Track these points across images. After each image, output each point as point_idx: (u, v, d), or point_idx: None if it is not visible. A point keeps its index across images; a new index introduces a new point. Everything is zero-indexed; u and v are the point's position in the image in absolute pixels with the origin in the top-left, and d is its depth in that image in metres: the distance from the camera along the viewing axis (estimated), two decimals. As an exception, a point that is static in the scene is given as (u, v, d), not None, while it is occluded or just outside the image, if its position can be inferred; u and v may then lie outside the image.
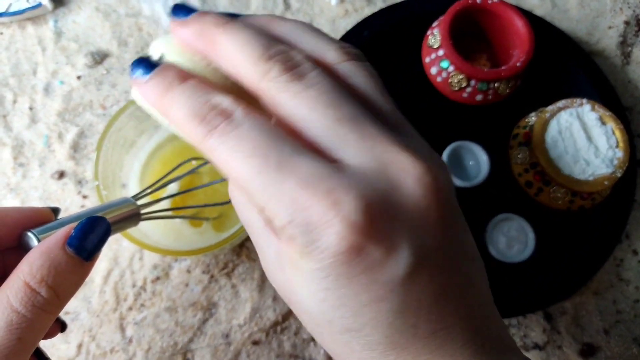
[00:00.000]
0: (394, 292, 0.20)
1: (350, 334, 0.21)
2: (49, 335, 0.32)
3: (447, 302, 0.21)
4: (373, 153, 0.20)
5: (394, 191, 0.20)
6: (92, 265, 0.28)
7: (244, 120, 0.20)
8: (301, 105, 0.21)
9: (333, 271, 0.20)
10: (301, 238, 0.20)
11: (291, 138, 0.20)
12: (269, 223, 0.22)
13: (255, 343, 0.44)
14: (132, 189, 0.43)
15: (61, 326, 0.32)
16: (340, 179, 0.19)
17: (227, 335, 0.44)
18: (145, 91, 0.23)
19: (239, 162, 0.20)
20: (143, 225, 0.40)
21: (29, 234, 0.27)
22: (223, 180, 0.43)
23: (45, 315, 0.25)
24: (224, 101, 0.21)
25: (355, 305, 0.20)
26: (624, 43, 0.54)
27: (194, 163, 0.43)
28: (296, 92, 0.21)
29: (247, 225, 0.23)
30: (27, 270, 0.25)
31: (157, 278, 0.45)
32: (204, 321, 0.44)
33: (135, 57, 0.49)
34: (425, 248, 0.20)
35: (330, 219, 0.19)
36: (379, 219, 0.20)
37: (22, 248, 0.28)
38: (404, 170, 0.20)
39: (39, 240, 0.27)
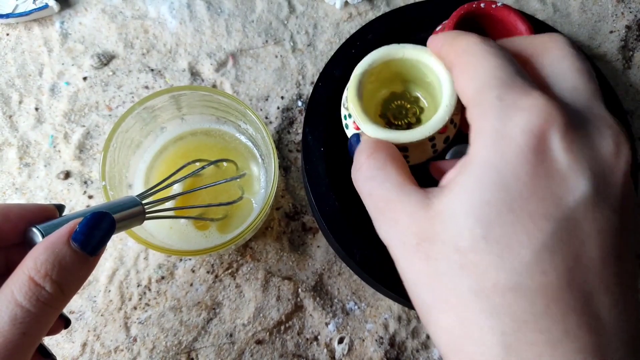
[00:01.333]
0: (564, 216, 0.21)
1: (490, 245, 0.21)
2: (53, 331, 0.32)
3: (621, 260, 0.21)
4: (590, 107, 0.24)
5: (595, 135, 0.22)
6: (96, 260, 0.28)
7: (495, 45, 0.26)
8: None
9: (514, 164, 0.21)
10: (496, 108, 0.22)
11: (521, 68, 0.25)
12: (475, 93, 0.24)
13: (259, 342, 0.44)
14: (138, 190, 0.44)
15: (65, 323, 0.32)
16: (550, 101, 0.22)
17: (231, 335, 0.44)
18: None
19: (489, 58, 0.25)
20: (148, 225, 0.40)
21: (34, 229, 0.27)
22: (227, 181, 0.43)
23: (49, 310, 0.25)
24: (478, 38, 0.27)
25: (516, 212, 0.21)
26: (625, 47, 0.54)
27: (198, 164, 0.43)
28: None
29: (395, 241, 0.26)
30: (32, 265, 0.25)
31: (162, 277, 0.45)
32: (208, 321, 0.45)
33: (141, 59, 0.50)
34: (607, 187, 0.21)
35: (533, 100, 0.22)
36: (573, 129, 0.22)
37: (27, 244, 0.28)
38: (610, 128, 0.23)
39: (43, 236, 0.27)
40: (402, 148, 0.40)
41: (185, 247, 0.42)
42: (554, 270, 0.20)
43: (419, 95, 0.46)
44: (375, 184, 0.27)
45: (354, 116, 0.40)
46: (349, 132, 0.43)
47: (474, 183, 0.22)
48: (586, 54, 0.51)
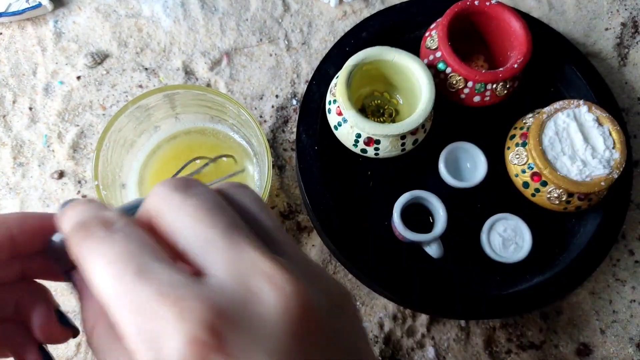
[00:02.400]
0: None
1: None
2: (61, 340, 0.31)
3: None
4: (239, 262, 0.20)
5: (253, 302, 0.19)
6: None
7: (121, 229, 0.20)
8: (180, 214, 0.21)
9: None
10: (145, 352, 0.18)
11: (160, 249, 0.20)
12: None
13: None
14: (131, 189, 0.43)
15: (73, 332, 0.32)
16: (195, 288, 0.19)
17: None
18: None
19: (101, 267, 0.19)
20: None
21: (56, 239, 0.27)
22: (229, 176, 0.43)
23: None
24: (112, 214, 0.21)
25: None
26: (620, 45, 0.54)
27: (199, 162, 0.43)
28: (179, 202, 0.21)
29: None
30: None
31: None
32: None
33: (135, 57, 0.50)
34: None
35: (172, 330, 0.18)
36: (230, 331, 0.18)
37: (50, 253, 0.28)
38: (267, 280, 0.19)
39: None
40: (375, 141, 0.41)
41: None
42: None
43: (398, 98, 0.47)
44: None
45: (339, 102, 0.41)
46: (331, 117, 0.44)
47: None
48: (581, 52, 0.51)
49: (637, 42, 0.54)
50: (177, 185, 0.21)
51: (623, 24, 0.55)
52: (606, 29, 0.54)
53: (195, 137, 0.45)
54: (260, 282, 0.19)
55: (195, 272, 0.20)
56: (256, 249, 0.20)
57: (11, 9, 0.49)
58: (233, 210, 0.22)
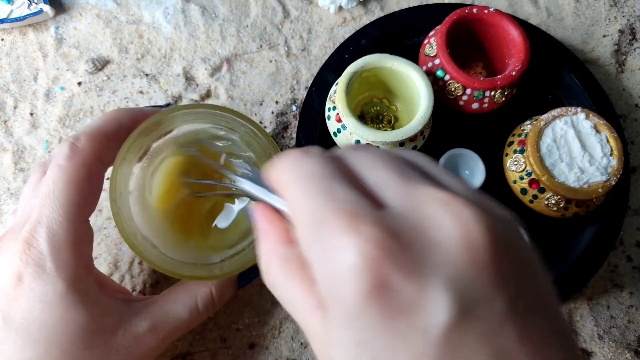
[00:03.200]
0: (436, 347, 0.17)
1: None
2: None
3: (528, 325, 0.18)
4: (415, 195, 0.20)
5: (430, 227, 0.19)
6: None
7: (316, 154, 0.22)
8: (358, 161, 0.23)
9: (360, 315, 0.18)
10: (320, 261, 0.19)
11: (348, 178, 0.22)
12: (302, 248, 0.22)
13: (253, 347, 0.44)
14: (133, 194, 0.43)
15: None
16: (374, 213, 0.19)
17: (225, 339, 0.45)
18: None
19: (295, 182, 0.22)
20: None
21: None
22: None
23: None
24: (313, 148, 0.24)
25: None
26: (618, 51, 0.55)
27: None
28: (360, 150, 0.23)
29: (292, 306, 0.23)
30: None
31: (157, 282, 0.45)
32: (203, 325, 0.45)
33: (136, 63, 0.50)
34: (473, 296, 0.18)
35: (347, 244, 0.18)
36: (404, 252, 0.18)
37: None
38: (443, 207, 0.19)
39: None
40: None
41: (175, 256, 0.40)
42: None
43: (397, 105, 0.47)
44: (286, 299, 0.23)
45: (338, 109, 0.42)
46: (330, 124, 0.44)
47: (337, 338, 0.19)
48: (579, 59, 0.51)
49: (634, 49, 0.55)
50: (353, 146, 0.24)
51: (621, 31, 0.55)
52: (604, 36, 0.55)
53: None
54: (437, 209, 0.19)
55: (377, 205, 0.20)
56: (430, 184, 0.21)
57: (13, 16, 0.49)
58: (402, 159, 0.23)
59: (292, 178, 0.22)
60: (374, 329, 0.18)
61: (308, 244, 0.20)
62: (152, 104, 0.49)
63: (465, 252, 0.18)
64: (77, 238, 0.32)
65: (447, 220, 0.19)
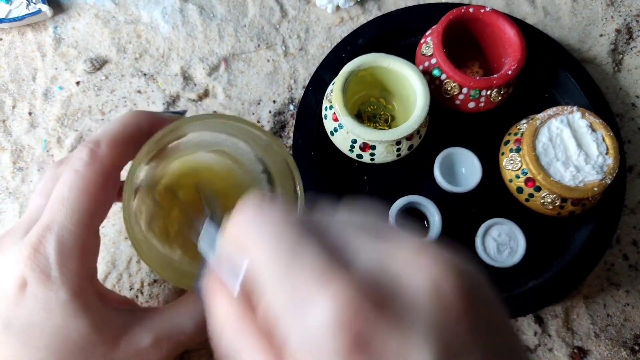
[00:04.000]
0: None
1: None
2: None
3: None
4: (379, 252, 0.20)
5: (400, 284, 0.19)
6: None
7: (278, 209, 0.21)
8: (321, 220, 0.22)
9: None
10: (291, 322, 0.19)
11: (312, 234, 0.21)
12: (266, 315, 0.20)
13: (251, 346, 0.45)
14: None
15: None
16: (344, 273, 0.19)
17: (223, 338, 0.45)
18: None
19: (260, 245, 0.20)
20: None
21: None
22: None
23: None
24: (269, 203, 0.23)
25: None
26: (615, 51, 0.55)
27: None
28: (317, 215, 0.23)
29: None
30: None
31: (154, 281, 0.46)
32: (200, 324, 0.45)
33: (134, 63, 0.50)
34: (453, 344, 0.18)
35: (322, 306, 0.18)
36: (383, 303, 0.18)
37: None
38: (410, 261, 0.19)
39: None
40: (371, 146, 0.42)
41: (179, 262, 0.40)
42: None
43: (393, 104, 0.47)
44: None
45: (335, 108, 0.42)
46: (327, 123, 0.45)
47: None
48: (576, 58, 0.51)
49: (631, 48, 0.55)
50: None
51: (617, 30, 0.55)
52: (601, 35, 0.55)
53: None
54: (407, 264, 0.19)
55: (346, 263, 0.20)
56: (392, 242, 0.20)
57: (11, 15, 0.50)
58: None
59: (256, 236, 0.21)
60: None
61: (276, 306, 0.19)
62: (150, 103, 0.50)
63: (440, 304, 0.18)
64: (85, 248, 0.32)
65: (417, 275, 0.19)
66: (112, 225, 0.47)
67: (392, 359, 0.17)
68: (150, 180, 0.40)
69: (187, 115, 0.38)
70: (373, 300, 0.18)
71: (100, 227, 0.46)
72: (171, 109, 0.50)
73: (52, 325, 0.30)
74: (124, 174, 0.35)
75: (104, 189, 0.33)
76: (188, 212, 0.39)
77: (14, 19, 0.49)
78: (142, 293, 0.45)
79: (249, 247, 0.21)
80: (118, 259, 0.46)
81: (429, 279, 0.19)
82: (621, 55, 0.55)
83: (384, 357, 0.17)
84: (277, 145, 0.37)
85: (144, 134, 0.35)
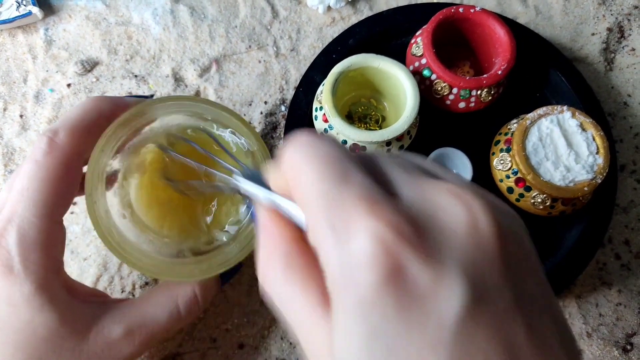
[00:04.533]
0: (451, 334, 0.17)
1: None
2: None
3: (536, 330, 0.18)
4: (426, 186, 0.20)
5: (442, 216, 0.19)
6: None
7: (329, 138, 0.22)
8: (369, 154, 0.23)
9: (375, 303, 0.18)
10: (333, 246, 0.19)
11: (360, 163, 0.21)
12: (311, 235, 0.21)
13: (243, 347, 0.45)
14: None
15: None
16: (389, 199, 0.19)
17: (215, 340, 0.45)
18: None
19: (309, 166, 0.20)
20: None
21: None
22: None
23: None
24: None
25: (402, 356, 0.17)
26: (607, 49, 0.55)
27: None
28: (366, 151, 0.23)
29: (289, 309, 0.22)
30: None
31: (146, 283, 0.46)
32: (193, 326, 0.45)
33: (125, 65, 0.50)
34: (484, 283, 0.18)
35: (364, 228, 0.18)
36: (421, 235, 0.18)
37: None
38: (454, 197, 0.19)
39: None
40: (361, 147, 0.42)
41: (151, 251, 0.38)
42: None
43: (384, 104, 0.47)
44: (285, 301, 0.22)
45: (325, 109, 0.42)
46: (317, 124, 0.45)
47: (348, 331, 0.19)
48: (567, 57, 0.51)
49: (622, 47, 0.55)
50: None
51: (609, 29, 0.55)
52: (592, 34, 0.55)
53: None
54: (446, 199, 0.19)
55: (391, 194, 0.20)
56: (436, 178, 0.21)
57: (1, 18, 0.49)
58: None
59: (306, 158, 0.21)
60: (389, 317, 0.18)
61: (319, 228, 0.20)
62: (123, 96, 0.48)
63: (475, 240, 0.19)
64: (48, 239, 0.31)
65: (457, 209, 0.19)
66: (104, 228, 0.46)
67: (423, 293, 0.18)
68: (131, 165, 0.39)
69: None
70: (412, 231, 0.18)
71: (92, 229, 0.46)
72: (134, 94, 0.49)
73: (18, 320, 0.30)
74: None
75: (65, 178, 0.32)
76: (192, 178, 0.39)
77: (4, 21, 0.49)
78: (133, 295, 0.45)
79: (301, 167, 0.21)
80: (109, 262, 0.46)
81: (468, 214, 0.19)
82: (613, 54, 0.55)
83: (415, 291, 0.18)
84: (246, 126, 0.37)
85: (105, 119, 0.34)
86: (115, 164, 0.38)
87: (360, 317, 0.18)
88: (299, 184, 0.21)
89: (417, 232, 0.18)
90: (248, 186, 0.26)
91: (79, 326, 0.32)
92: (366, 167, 0.21)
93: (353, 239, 0.18)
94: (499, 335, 0.18)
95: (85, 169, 0.35)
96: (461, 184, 0.20)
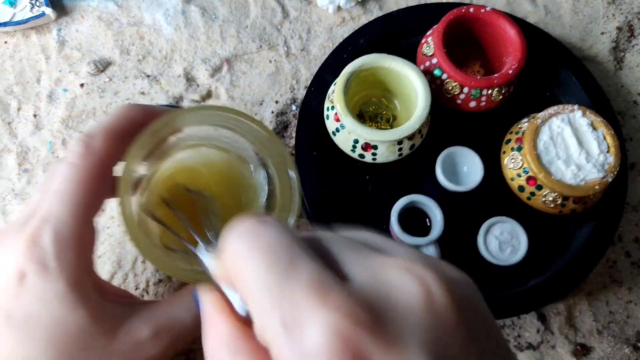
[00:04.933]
0: None
1: None
2: None
3: None
4: (375, 266, 0.20)
5: (397, 295, 0.19)
6: None
7: (274, 224, 0.21)
8: (314, 236, 0.22)
9: None
10: (286, 343, 0.18)
11: (308, 247, 0.21)
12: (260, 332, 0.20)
13: (255, 344, 0.45)
14: None
15: None
16: (341, 285, 0.19)
17: (227, 337, 0.45)
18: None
19: (254, 257, 0.20)
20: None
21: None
22: None
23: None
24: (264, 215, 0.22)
25: None
26: (616, 48, 0.55)
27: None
28: (309, 233, 0.22)
29: None
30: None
31: (160, 280, 0.46)
32: (205, 323, 0.45)
33: (137, 65, 0.51)
34: (447, 356, 0.18)
35: (319, 321, 0.17)
36: (378, 319, 0.18)
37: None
38: (406, 272, 0.19)
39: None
40: (373, 146, 0.42)
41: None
42: None
43: (395, 103, 0.48)
44: None
45: (337, 109, 0.42)
46: (329, 123, 0.45)
47: None
48: (577, 56, 0.51)
49: (632, 46, 0.55)
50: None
51: (619, 28, 0.55)
52: (602, 33, 0.55)
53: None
54: (398, 276, 0.19)
55: (341, 278, 0.20)
56: (385, 255, 0.20)
57: (15, 19, 0.50)
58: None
59: (249, 249, 0.20)
60: None
61: (269, 325, 0.18)
62: (154, 105, 0.50)
63: (433, 315, 0.18)
64: (81, 239, 0.32)
65: (409, 285, 0.19)
66: (118, 226, 0.47)
67: None
68: (152, 176, 0.40)
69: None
70: (368, 318, 0.18)
71: (106, 227, 0.47)
72: (165, 103, 0.50)
73: (51, 317, 0.31)
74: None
75: (99, 181, 0.33)
76: (187, 219, 0.39)
77: (18, 22, 0.50)
78: (147, 292, 0.46)
79: (242, 259, 0.20)
80: (123, 259, 0.46)
81: (421, 289, 0.19)
82: (622, 53, 0.55)
83: None
84: (274, 140, 0.37)
85: (137, 126, 0.35)
86: (141, 170, 0.39)
87: None
88: (244, 278, 0.20)
89: (373, 317, 0.18)
90: (207, 260, 0.27)
91: (109, 325, 0.32)
92: (315, 250, 0.21)
93: (307, 334, 0.17)
94: None
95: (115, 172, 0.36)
96: (411, 258, 0.20)
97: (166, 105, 0.39)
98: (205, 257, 0.27)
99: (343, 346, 0.17)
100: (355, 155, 0.45)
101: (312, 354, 0.17)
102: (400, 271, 0.19)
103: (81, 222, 0.32)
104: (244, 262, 0.20)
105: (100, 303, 0.33)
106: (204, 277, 0.36)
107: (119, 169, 0.35)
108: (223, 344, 0.21)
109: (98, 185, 0.33)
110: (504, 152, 0.46)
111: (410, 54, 0.47)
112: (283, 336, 0.18)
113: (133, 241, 0.34)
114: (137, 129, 0.35)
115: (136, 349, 0.33)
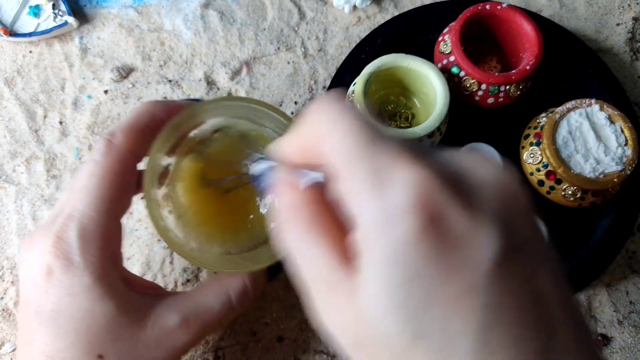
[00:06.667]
0: (487, 279, 0.18)
1: (426, 342, 0.18)
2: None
3: (560, 287, 0.20)
4: (457, 154, 0.22)
5: (471, 173, 0.20)
6: None
7: (354, 106, 0.22)
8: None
9: (413, 249, 0.18)
10: (370, 200, 0.19)
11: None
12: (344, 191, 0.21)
13: (282, 340, 0.46)
14: None
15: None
16: (422, 156, 0.20)
17: (255, 333, 0.46)
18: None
19: (343, 129, 0.20)
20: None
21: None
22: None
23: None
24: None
25: (440, 299, 0.18)
26: (632, 39, 0.55)
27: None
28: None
29: (310, 268, 0.22)
30: None
31: (187, 280, 0.47)
32: (233, 320, 0.47)
33: (159, 70, 0.52)
34: (517, 233, 0.19)
35: (403, 179, 0.19)
36: (458, 184, 0.19)
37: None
38: (479, 159, 0.21)
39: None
40: None
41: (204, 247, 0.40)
42: (501, 346, 0.18)
43: (414, 101, 0.48)
44: (306, 260, 0.22)
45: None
46: None
47: (383, 279, 0.19)
48: (593, 49, 0.52)
49: (648, 37, 0.55)
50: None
51: (635, 19, 0.55)
52: (618, 25, 0.55)
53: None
54: (479, 160, 0.21)
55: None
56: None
57: (40, 29, 0.51)
58: None
59: (343, 111, 0.21)
60: (429, 260, 0.18)
61: (356, 177, 0.19)
62: (174, 100, 0.51)
63: (508, 195, 0.20)
64: (106, 233, 0.33)
65: (488, 168, 0.21)
66: (145, 228, 0.48)
67: (462, 239, 0.18)
68: (177, 169, 0.41)
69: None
70: (448, 182, 0.19)
71: (134, 230, 0.48)
72: (169, 98, 0.51)
73: (79, 310, 0.32)
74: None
75: (122, 176, 0.34)
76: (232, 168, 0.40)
77: (43, 32, 0.51)
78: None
79: (336, 123, 0.21)
80: (152, 261, 0.48)
81: (499, 173, 0.20)
82: (639, 44, 0.55)
83: (453, 238, 0.18)
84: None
85: (158, 121, 0.36)
86: (165, 164, 0.40)
87: (396, 264, 0.18)
88: (335, 133, 0.20)
89: (455, 182, 0.19)
90: (263, 164, 0.27)
91: (137, 315, 0.33)
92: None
93: (392, 188, 0.19)
94: (529, 282, 0.19)
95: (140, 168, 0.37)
96: (486, 157, 0.22)
97: (188, 99, 0.40)
98: (261, 163, 0.27)
99: (425, 201, 0.18)
100: (375, 154, 0.46)
101: (394, 205, 0.18)
102: (480, 159, 0.21)
103: (106, 216, 0.33)
104: (338, 120, 0.20)
105: (127, 294, 0.33)
106: (231, 266, 0.37)
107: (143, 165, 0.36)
108: (299, 216, 0.22)
109: (121, 180, 0.34)
110: (523, 147, 0.47)
111: (427, 52, 0.48)
112: (369, 186, 0.19)
113: (159, 232, 0.35)
114: (160, 125, 0.36)
115: (165, 337, 0.34)
